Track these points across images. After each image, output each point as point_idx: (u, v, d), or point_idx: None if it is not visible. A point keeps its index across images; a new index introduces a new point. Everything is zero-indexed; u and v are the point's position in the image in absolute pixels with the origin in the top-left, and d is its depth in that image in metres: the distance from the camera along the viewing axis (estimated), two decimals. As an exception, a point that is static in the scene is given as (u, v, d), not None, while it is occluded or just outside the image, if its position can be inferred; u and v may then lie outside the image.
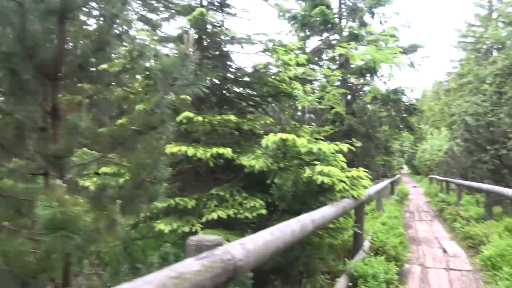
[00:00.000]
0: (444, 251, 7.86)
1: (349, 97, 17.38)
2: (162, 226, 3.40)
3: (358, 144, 5.44)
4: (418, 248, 8.10)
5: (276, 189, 3.61)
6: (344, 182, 3.68)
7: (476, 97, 16.10)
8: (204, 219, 3.58)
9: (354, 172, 4.22)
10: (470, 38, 29.26)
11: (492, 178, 10.73)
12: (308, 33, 18.83)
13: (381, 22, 17.77)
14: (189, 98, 3.91)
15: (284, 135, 3.54)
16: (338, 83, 17.09)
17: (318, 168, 3.51)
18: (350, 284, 3.78)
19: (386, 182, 11.35)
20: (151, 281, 1.12)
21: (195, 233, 3.42)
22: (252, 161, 3.64)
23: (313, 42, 20.07)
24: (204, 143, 4.36)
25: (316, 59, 18.81)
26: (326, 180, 3.41)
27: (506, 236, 6.12)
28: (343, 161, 4.28)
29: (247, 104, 5.19)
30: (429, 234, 9.68)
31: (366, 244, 5.57)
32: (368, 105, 15.65)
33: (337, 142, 4.04)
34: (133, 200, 2.27)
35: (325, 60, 18.91)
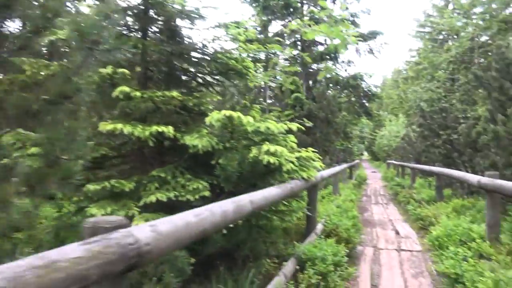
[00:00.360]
0: (397, 232, 8.02)
1: (310, 82, 17.46)
2: (95, 210, 3.10)
3: (309, 124, 5.31)
4: (373, 230, 8.22)
5: (221, 170, 3.39)
6: (293, 162, 3.53)
7: (430, 83, 16.57)
8: (142, 203, 3.31)
9: (304, 153, 4.09)
10: (428, 28, 30.07)
11: (444, 162, 11.08)
12: (270, 17, 18.61)
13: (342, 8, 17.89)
14: (127, 72, 3.59)
15: (228, 112, 3.32)
16: (299, 68, 17.07)
17: (265, 147, 3.32)
18: (298, 267, 3.66)
19: (343, 166, 11.46)
20: (2, 272, 0.87)
21: (131, 217, 3.16)
22: (195, 141, 3.40)
23: (276, 27, 19.88)
24: (149, 122, 4.07)
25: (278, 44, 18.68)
26: (272, 160, 3.23)
27: (453, 217, 6.28)
28: (293, 142, 4.12)
29: (197, 82, 4.91)
30: (384, 217, 9.88)
31: (319, 227, 5.51)
32: (329, 91, 15.78)
33: (287, 122, 3.88)
34: (43, 179, 1.98)
35: (287, 45, 18.81)
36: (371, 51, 18.28)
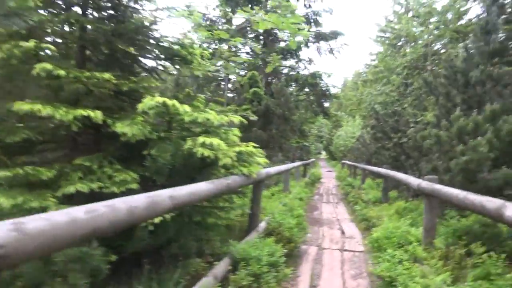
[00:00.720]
0: (343, 232, 8.08)
1: (270, 78, 17.39)
2: (2, 199, 2.76)
3: (253, 118, 5.14)
4: (320, 229, 8.24)
5: (152, 162, 3.14)
6: (230, 157, 3.34)
7: (386, 87, 17.01)
8: (60, 193, 2.99)
9: (244, 147, 3.91)
10: (388, 34, 30.97)
11: (392, 164, 11.36)
12: (234, 9, 18.33)
13: (305, 5, 17.90)
14: (52, 48, 3.24)
15: (161, 99, 3.07)
16: (260, 62, 16.93)
17: (200, 139, 3.11)
18: (230, 267, 3.49)
19: (295, 164, 11.45)
20: None
21: (45, 209, 2.84)
22: (126, 128, 3.12)
23: (240, 20, 19.59)
24: (83, 106, 3.72)
25: (240, 36, 18.43)
26: (207, 153, 3.02)
27: (395, 219, 6.37)
28: (236, 135, 3.93)
29: (140, 67, 4.59)
30: (333, 216, 9.97)
31: (262, 225, 5.38)
32: (288, 88, 15.76)
33: (228, 114, 3.68)
34: None
35: (250, 38, 18.62)
36: (331, 51, 18.50)
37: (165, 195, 2.14)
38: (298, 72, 17.36)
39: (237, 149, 3.53)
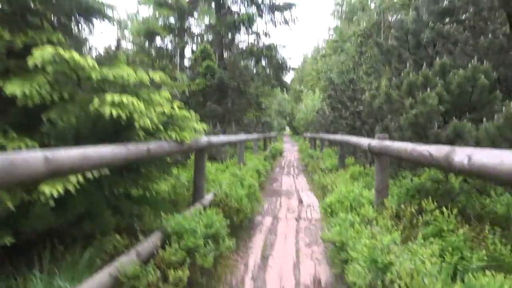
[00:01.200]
0: (300, 201, 7.91)
1: (224, 51, 16.76)
2: None
3: (180, 76, 4.66)
4: (277, 200, 8.03)
5: (50, 127, 2.62)
6: (151, 119, 2.87)
7: (340, 56, 16.86)
8: None
9: (178, 110, 3.44)
10: (344, 7, 30.94)
11: (350, 132, 11.26)
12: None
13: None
14: None
15: (54, 50, 2.53)
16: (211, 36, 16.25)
17: (108, 97, 2.61)
18: (160, 243, 3.07)
19: (250, 136, 11.04)
20: None
21: None
22: (16, 88, 2.57)
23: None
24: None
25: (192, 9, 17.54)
26: (115, 112, 2.54)
27: (349, 184, 6.19)
28: (165, 97, 3.45)
29: (50, 24, 3.94)
30: (292, 187, 9.81)
31: (209, 198, 4.98)
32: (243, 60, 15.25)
33: (149, 70, 3.18)
34: None
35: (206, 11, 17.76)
36: (286, 22, 18.04)
37: (38, 156, 1.66)
38: (253, 45, 16.83)
39: (160, 109, 3.06)
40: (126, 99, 2.62)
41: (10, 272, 2.42)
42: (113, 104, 2.62)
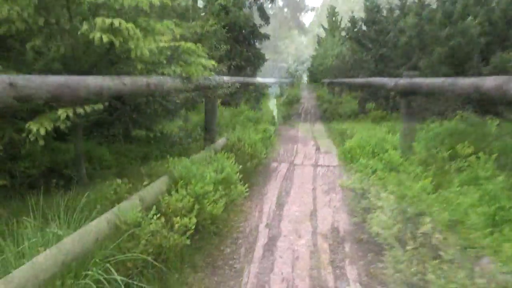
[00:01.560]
0: (318, 148, 7.61)
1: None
2: None
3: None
4: (294, 146, 7.75)
5: (34, 56, 2.29)
6: (151, 49, 2.50)
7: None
8: None
9: (183, 43, 3.04)
10: None
11: (371, 76, 10.65)
12: None
13: None
14: None
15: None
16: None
17: (99, 21, 2.23)
18: (164, 189, 2.83)
19: (266, 79, 10.53)
20: None
21: None
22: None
23: None
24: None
25: None
26: (107, 39, 2.17)
27: (370, 128, 5.80)
28: (168, 27, 3.03)
29: None
30: (309, 134, 9.49)
31: (221, 142, 4.71)
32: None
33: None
34: None
35: None
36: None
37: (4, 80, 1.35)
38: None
39: (163, 38, 2.67)
40: (119, 23, 2.24)
41: (2, 215, 2.23)
42: (104, 29, 2.25)
